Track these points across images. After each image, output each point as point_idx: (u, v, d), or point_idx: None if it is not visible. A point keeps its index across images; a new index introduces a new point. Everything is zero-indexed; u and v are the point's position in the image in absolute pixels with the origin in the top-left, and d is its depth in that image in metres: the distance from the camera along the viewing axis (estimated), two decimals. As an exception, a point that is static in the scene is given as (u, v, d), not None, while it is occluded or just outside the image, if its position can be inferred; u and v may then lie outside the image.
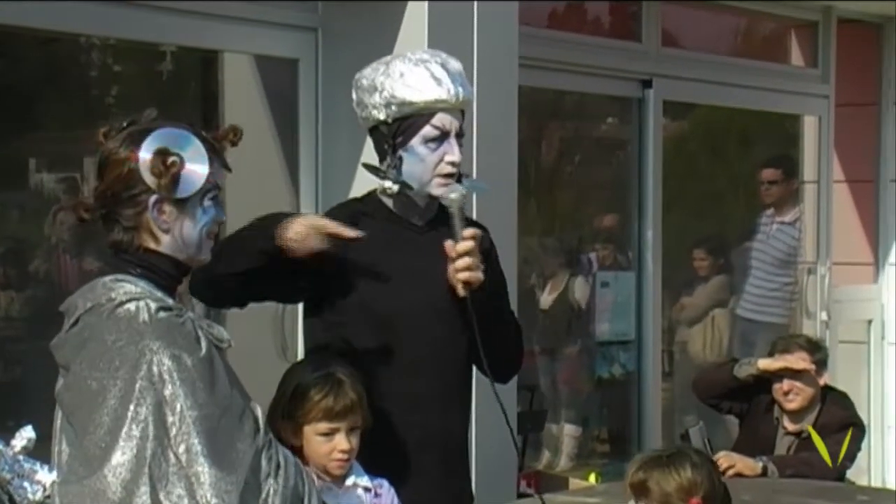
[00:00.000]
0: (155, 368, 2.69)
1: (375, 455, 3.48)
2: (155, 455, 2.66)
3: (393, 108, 3.54)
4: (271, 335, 5.59)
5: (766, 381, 5.55)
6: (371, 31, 5.45)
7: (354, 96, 3.64)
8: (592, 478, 6.88)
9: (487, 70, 5.50)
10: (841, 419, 5.53)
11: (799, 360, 5.50)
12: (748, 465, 5.14)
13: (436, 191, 3.56)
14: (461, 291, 3.47)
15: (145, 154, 2.80)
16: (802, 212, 8.47)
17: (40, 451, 3.32)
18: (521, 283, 6.40)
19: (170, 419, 2.67)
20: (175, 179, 2.80)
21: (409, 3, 5.42)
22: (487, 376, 3.48)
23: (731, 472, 5.08)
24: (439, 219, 3.59)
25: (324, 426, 3.37)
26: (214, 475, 2.66)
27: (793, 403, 5.50)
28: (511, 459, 5.77)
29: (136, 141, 2.82)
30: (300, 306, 3.83)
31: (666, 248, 7.41)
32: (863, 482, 7.71)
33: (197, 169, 2.83)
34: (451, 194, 3.53)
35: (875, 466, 8.67)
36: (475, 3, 5.54)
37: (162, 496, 2.65)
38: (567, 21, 7.45)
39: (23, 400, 5.51)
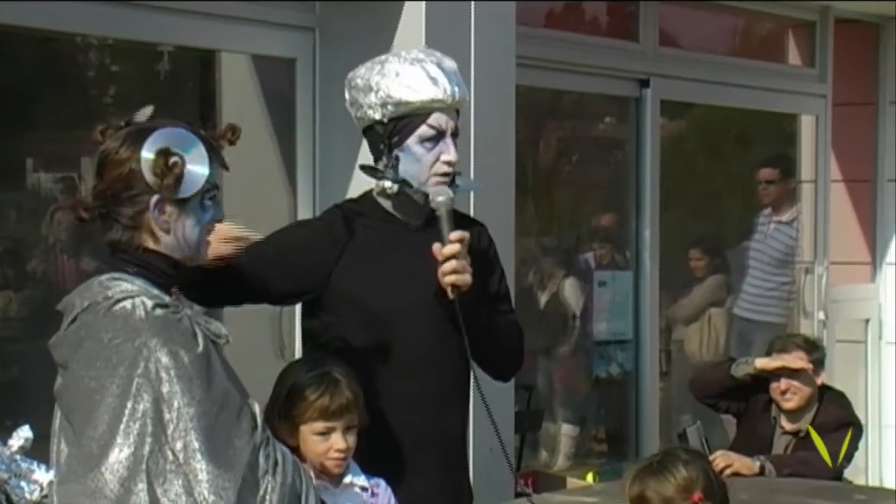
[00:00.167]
0: (152, 366, 2.69)
1: (372, 455, 3.48)
2: (152, 452, 2.66)
3: (389, 107, 3.54)
4: (269, 335, 5.59)
5: (763, 380, 5.55)
6: (368, 31, 5.45)
7: (348, 96, 3.64)
8: (590, 477, 6.89)
9: (485, 69, 5.51)
10: (838, 419, 5.53)
11: (796, 360, 5.50)
12: (745, 464, 5.14)
13: (432, 189, 3.56)
14: (449, 294, 3.47)
15: (147, 154, 2.80)
16: (800, 211, 8.48)
17: (38, 450, 3.32)
18: (519, 282, 6.40)
19: (167, 416, 2.67)
20: (178, 180, 2.80)
21: (406, 3, 5.42)
22: (483, 376, 3.48)
23: (728, 471, 5.08)
24: (435, 218, 3.59)
25: (320, 425, 3.37)
26: (212, 472, 2.67)
27: (790, 403, 5.50)
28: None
29: (137, 141, 2.81)
30: (298, 306, 3.83)
31: (663, 248, 7.41)
32: (860, 481, 7.72)
33: (198, 169, 2.84)
34: (439, 197, 3.53)
35: (872, 466, 8.68)
36: (472, 2, 5.54)
37: (159, 493, 2.65)
38: (564, 20, 7.46)
39: (20, 400, 5.51)
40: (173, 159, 2.79)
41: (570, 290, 7.47)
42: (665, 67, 7.37)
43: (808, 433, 5.49)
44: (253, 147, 5.68)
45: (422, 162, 3.56)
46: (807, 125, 8.56)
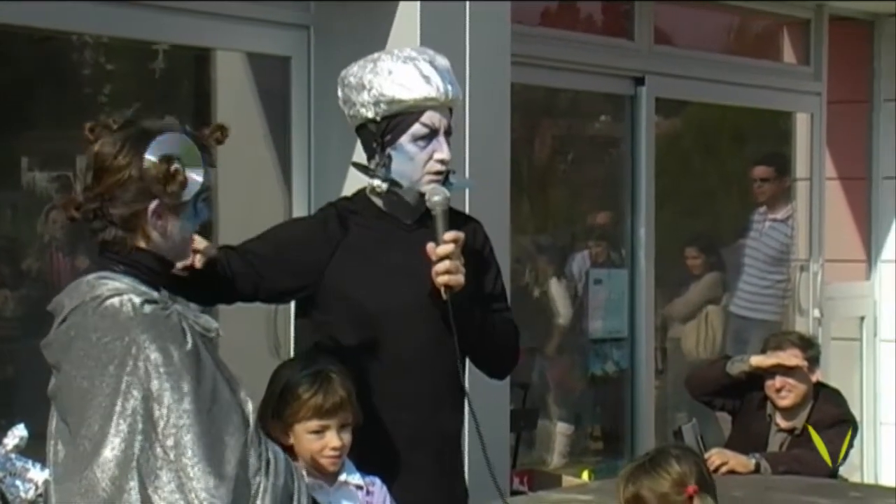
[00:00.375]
0: (141, 363, 2.69)
1: (367, 453, 3.48)
2: (143, 450, 2.66)
3: (382, 105, 3.53)
4: (264, 333, 5.59)
5: (758, 377, 5.55)
6: (363, 29, 5.45)
7: (341, 94, 3.63)
8: (585, 475, 6.90)
9: (480, 67, 5.51)
10: (833, 416, 5.53)
11: (791, 357, 5.51)
12: (741, 461, 5.15)
13: (426, 188, 3.56)
14: (443, 294, 3.47)
15: (150, 162, 2.79)
16: (795, 209, 8.48)
17: (33, 449, 3.32)
18: (515, 280, 6.40)
19: (157, 413, 2.67)
20: (182, 187, 2.80)
21: (401, 2, 5.42)
22: (478, 375, 3.48)
23: (723, 469, 5.09)
24: (429, 216, 3.59)
25: (314, 424, 3.37)
26: (203, 469, 2.66)
27: (785, 400, 5.50)
28: (503, 458, 5.78)
29: (137, 147, 2.80)
30: (292, 304, 3.83)
31: (659, 246, 7.41)
32: (856, 479, 7.72)
33: (195, 174, 2.84)
34: (435, 197, 3.52)
35: (868, 463, 8.68)
36: (467, 1, 5.54)
37: (150, 491, 2.65)
38: (559, 19, 7.46)
39: (15, 398, 5.51)
40: (175, 166, 2.79)
41: (556, 288, 7.47)
42: (660, 65, 7.37)
43: (803, 430, 5.49)
44: (248, 145, 5.68)
45: (415, 160, 3.56)
46: (801, 123, 8.56)
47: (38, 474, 3.55)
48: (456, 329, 3.46)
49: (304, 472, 3.40)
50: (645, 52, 7.35)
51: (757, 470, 5.15)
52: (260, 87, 5.90)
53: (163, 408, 2.67)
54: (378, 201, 3.63)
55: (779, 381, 5.50)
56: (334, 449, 3.38)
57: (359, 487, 3.45)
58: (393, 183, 3.56)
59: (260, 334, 5.57)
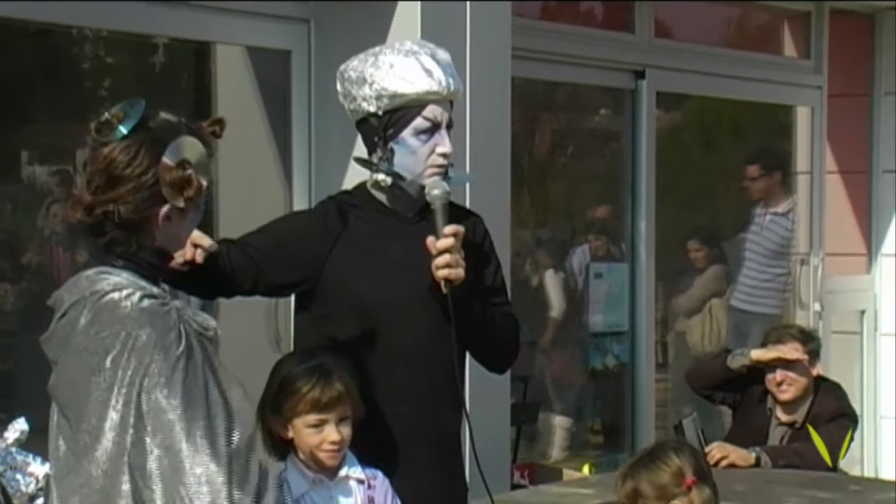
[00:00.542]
0: (135, 358, 2.69)
1: (367, 447, 3.48)
2: (135, 445, 2.66)
3: (384, 100, 3.53)
4: (265, 328, 5.59)
5: (759, 371, 5.55)
6: (364, 23, 5.44)
7: (340, 88, 3.63)
8: (586, 469, 6.90)
9: (480, 61, 5.50)
10: (834, 410, 5.53)
11: (792, 351, 5.51)
12: (741, 455, 5.15)
13: (428, 182, 3.56)
14: (443, 288, 3.47)
15: (167, 168, 2.77)
16: (795, 203, 8.48)
17: (34, 443, 3.33)
18: (515, 274, 6.40)
19: (145, 409, 2.67)
20: (199, 192, 2.79)
21: (402, -5, 5.42)
22: (478, 369, 3.48)
23: (724, 462, 5.09)
24: (429, 209, 3.58)
25: (313, 418, 3.37)
26: (197, 466, 2.66)
27: (786, 394, 5.50)
28: (504, 452, 5.78)
29: (152, 153, 2.78)
30: (292, 297, 3.83)
31: (659, 240, 7.41)
32: (856, 472, 7.73)
33: (204, 176, 2.84)
34: (435, 190, 3.52)
35: (868, 457, 8.69)
36: (468, -5, 5.55)
37: (141, 485, 2.65)
38: (560, 12, 7.46)
39: (15, 392, 5.51)
40: (189, 172, 2.78)
41: (552, 280, 7.47)
42: (660, 59, 7.37)
43: (803, 424, 5.49)
44: (248, 139, 5.68)
45: (417, 154, 3.55)
46: (802, 116, 8.56)
47: (38, 468, 3.56)
48: (455, 323, 3.46)
49: (305, 467, 3.40)
50: (645, 45, 7.34)
51: (757, 464, 5.16)
52: (260, 81, 5.89)
53: (154, 404, 2.67)
54: (379, 195, 3.63)
55: (779, 374, 5.50)
56: (333, 443, 3.38)
57: (360, 481, 3.45)
58: (397, 177, 3.56)
59: (260, 328, 5.57)
